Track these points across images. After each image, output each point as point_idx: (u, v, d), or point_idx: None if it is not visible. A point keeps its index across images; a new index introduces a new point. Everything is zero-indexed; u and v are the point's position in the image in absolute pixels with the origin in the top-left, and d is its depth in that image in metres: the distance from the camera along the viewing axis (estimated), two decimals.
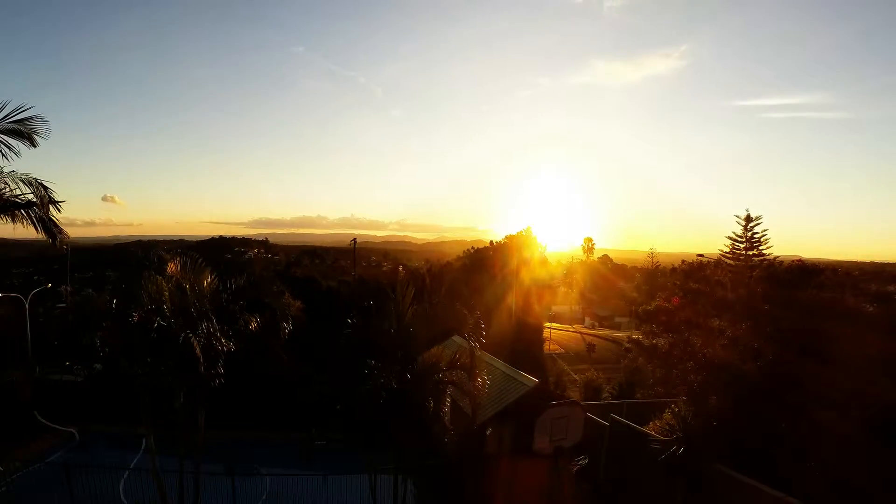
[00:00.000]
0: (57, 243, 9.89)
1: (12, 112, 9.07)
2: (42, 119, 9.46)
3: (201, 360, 13.65)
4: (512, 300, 52.57)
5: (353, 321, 18.83)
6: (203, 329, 14.05)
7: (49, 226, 9.56)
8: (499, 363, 24.46)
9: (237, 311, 15.46)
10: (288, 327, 17.33)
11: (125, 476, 19.70)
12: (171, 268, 14.39)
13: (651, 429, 20.15)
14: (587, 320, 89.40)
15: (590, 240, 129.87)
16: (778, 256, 30.67)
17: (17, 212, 9.25)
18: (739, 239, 29.86)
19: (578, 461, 21.24)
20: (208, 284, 15.23)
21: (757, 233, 29.39)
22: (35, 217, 9.43)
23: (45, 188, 9.62)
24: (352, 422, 24.64)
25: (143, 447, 22.62)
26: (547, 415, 21.20)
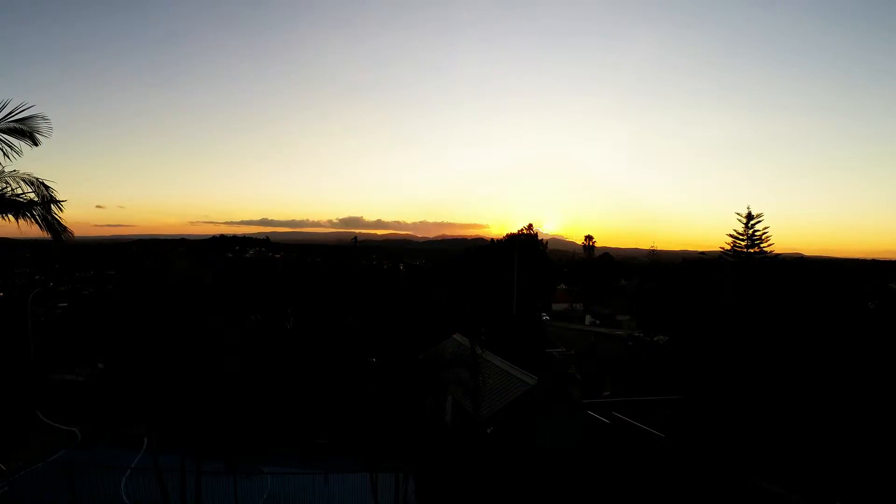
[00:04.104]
0: (63, 240, 9.87)
1: (14, 111, 9.06)
2: (44, 118, 9.45)
3: (202, 358, 13.68)
4: (513, 297, 52.57)
5: (354, 319, 18.86)
6: (205, 327, 14.08)
7: (53, 224, 9.55)
8: (500, 361, 24.47)
9: (239, 310, 15.49)
10: (289, 325, 17.33)
11: (126, 475, 19.72)
12: (178, 266, 14.42)
13: (653, 426, 20.17)
14: (588, 318, 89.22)
15: (591, 237, 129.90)
16: (779, 254, 30.70)
17: (20, 210, 9.25)
18: (740, 236, 29.87)
19: (580, 459, 21.25)
20: (212, 283, 15.25)
21: (758, 230, 29.40)
22: (39, 216, 9.42)
23: (47, 187, 9.63)
24: (353, 420, 24.75)
25: (144, 446, 22.66)
26: (548, 413, 21.20)
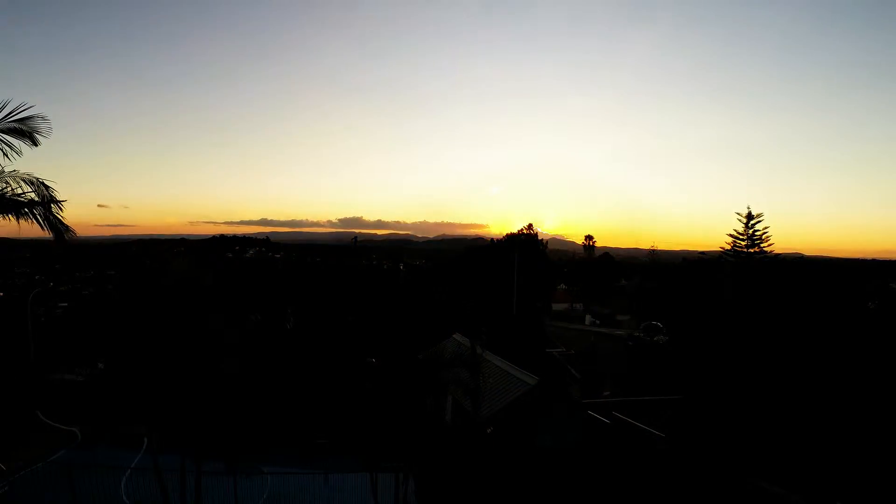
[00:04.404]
0: (66, 239, 9.85)
1: (13, 111, 9.07)
2: (43, 118, 9.45)
3: (202, 358, 13.68)
4: (513, 297, 52.60)
5: (355, 319, 18.90)
6: (204, 327, 14.09)
7: (55, 223, 9.54)
8: (500, 361, 24.47)
9: (239, 310, 15.51)
10: (289, 325, 17.36)
11: (126, 475, 19.72)
12: (176, 266, 14.44)
13: (653, 426, 20.18)
14: (588, 318, 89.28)
15: (591, 237, 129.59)
16: (779, 254, 30.77)
17: (22, 210, 9.25)
18: (741, 236, 29.90)
19: (580, 459, 21.27)
20: (212, 283, 15.26)
21: (758, 230, 29.42)
22: (40, 215, 9.42)
23: (47, 187, 9.63)
24: (353, 420, 24.77)
25: (144, 446, 22.66)
26: (548, 413, 21.22)
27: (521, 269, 56.08)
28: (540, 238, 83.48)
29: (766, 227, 29.33)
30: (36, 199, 9.45)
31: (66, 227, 9.76)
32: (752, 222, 29.26)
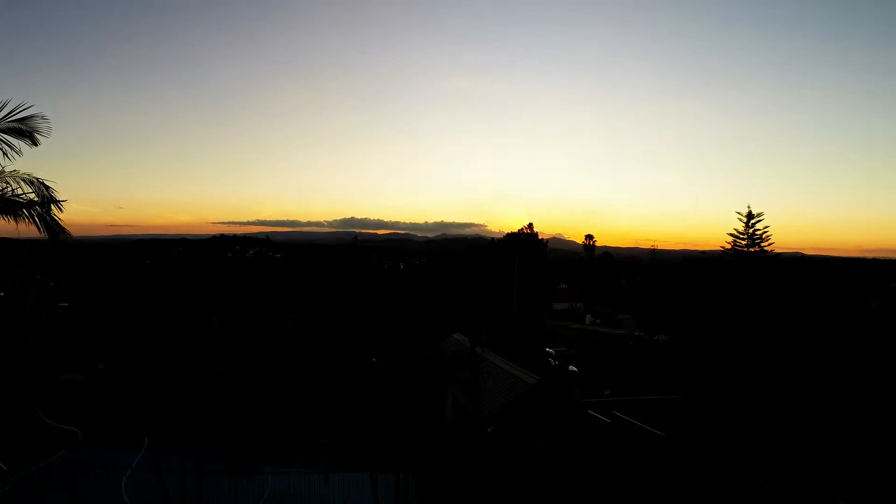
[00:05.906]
0: (60, 240, 9.91)
1: (13, 111, 9.09)
2: (43, 118, 9.48)
3: (203, 357, 13.68)
4: (513, 297, 52.64)
5: (355, 318, 18.90)
6: (206, 325, 14.09)
7: (51, 224, 9.58)
8: (500, 360, 24.46)
9: (240, 308, 15.51)
10: (289, 325, 17.41)
11: (127, 475, 19.74)
12: (177, 266, 14.44)
13: (653, 426, 20.16)
14: (588, 317, 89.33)
15: (591, 236, 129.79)
16: (780, 253, 30.69)
17: (19, 210, 9.28)
18: (741, 235, 29.79)
19: (580, 459, 21.26)
20: (211, 283, 15.28)
21: (759, 229, 29.33)
22: (37, 216, 9.46)
23: (47, 187, 9.66)
24: (353, 420, 24.77)
25: (144, 446, 22.67)
26: (548, 412, 21.19)
27: (521, 268, 56.14)
28: (540, 237, 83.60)
29: (766, 227, 29.20)
30: (35, 199, 9.48)
31: (62, 229, 9.82)
32: (752, 221, 29.13)
